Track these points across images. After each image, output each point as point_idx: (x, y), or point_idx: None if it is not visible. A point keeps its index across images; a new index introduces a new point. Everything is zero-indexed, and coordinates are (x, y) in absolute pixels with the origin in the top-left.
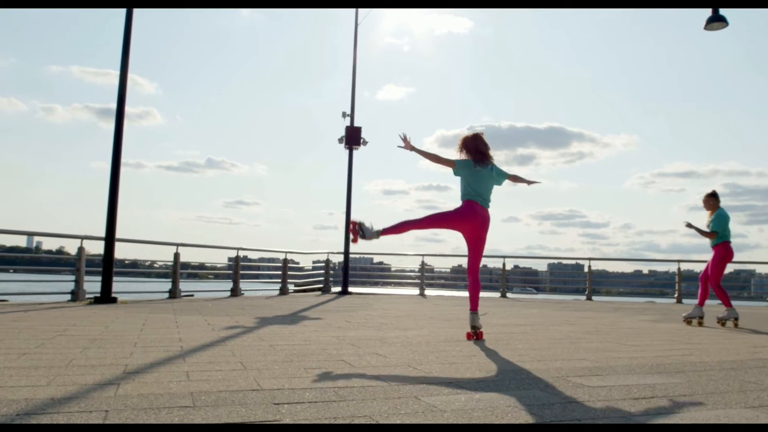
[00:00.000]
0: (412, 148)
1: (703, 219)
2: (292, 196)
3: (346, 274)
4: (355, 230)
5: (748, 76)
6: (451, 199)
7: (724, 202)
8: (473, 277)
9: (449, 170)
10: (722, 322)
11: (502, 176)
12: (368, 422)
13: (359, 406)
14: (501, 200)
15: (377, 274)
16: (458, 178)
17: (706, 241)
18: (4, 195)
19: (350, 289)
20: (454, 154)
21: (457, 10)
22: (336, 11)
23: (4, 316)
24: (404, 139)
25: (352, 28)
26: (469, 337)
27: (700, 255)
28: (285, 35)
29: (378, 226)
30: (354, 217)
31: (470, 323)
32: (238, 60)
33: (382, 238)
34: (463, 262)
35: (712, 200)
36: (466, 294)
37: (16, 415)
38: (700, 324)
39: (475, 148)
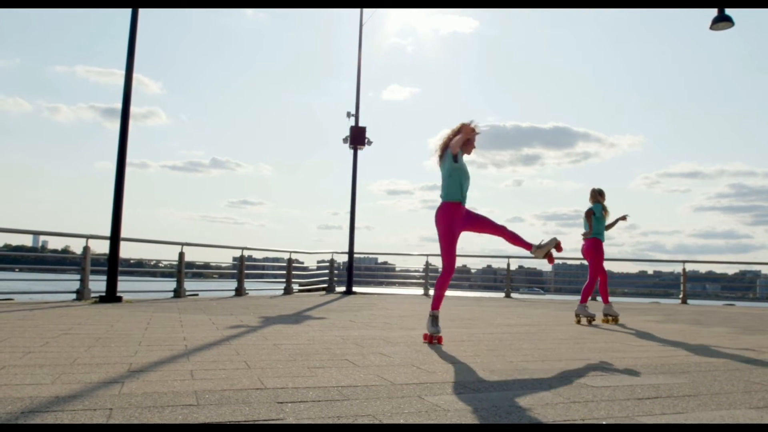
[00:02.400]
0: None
1: (708, 220)
2: (296, 196)
3: (350, 273)
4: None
5: (754, 76)
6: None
7: (728, 203)
8: (504, 231)
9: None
10: (587, 318)
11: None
12: (372, 422)
13: (363, 405)
14: (506, 200)
15: (381, 274)
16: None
17: (710, 243)
18: (10, 194)
19: (354, 288)
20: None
21: (462, 10)
22: (340, 11)
23: (9, 314)
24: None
25: (357, 28)
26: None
27: (705, 255)
28: (289, 35)
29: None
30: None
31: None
32: (243, 60)
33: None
34: (467, 262)
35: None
36: (468, 294)
37: (21, 413)
38: (615, 321)
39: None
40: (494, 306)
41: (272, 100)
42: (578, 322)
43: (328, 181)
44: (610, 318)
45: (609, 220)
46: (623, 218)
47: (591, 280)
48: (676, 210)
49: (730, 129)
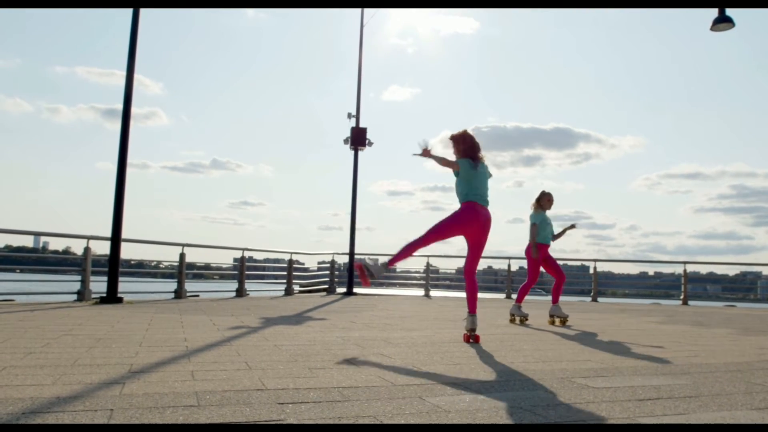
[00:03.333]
0: (429, 155)
1: (709, 222)
2: (297, 197)
3: (351, 274)
4: (363, 273)
5: (755, 76)
6: (456, 200)
7: (729, 204)
8: (471, 278)
9: (450, 171)
10: (520, 318)
11: (489, 174)
12: (372, 422)
13: (363, 406)
14: (506, 201)
15: (382, 275)
16: (454, 180)
17: (711, 244)
18: (11, 195)
19: (355, 289)
20: (450, 154)
21: (463, 10)
22: (341, 12)
23: (10, 315)
24: (424, 149)
25: (358, 28)
26: (465, 339)
27: (706, 257)
28: (290, 36)
29: (383, 259)
30: (356, 259)
31: (468, 326)
32: (244, 60)
33: (392, 266)
34: None
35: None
36: None
37: (22, 414)
38: (563, 322)
39: (471, 146)
40: (495, 307)
41: (273, 100)
42: (512, 321)
43: (329, 182)
44: (558, 319)
45: (557, 230)
46: (572, 227)
47: (528, 281)
48: (677, 211)
49: (730, 130)
